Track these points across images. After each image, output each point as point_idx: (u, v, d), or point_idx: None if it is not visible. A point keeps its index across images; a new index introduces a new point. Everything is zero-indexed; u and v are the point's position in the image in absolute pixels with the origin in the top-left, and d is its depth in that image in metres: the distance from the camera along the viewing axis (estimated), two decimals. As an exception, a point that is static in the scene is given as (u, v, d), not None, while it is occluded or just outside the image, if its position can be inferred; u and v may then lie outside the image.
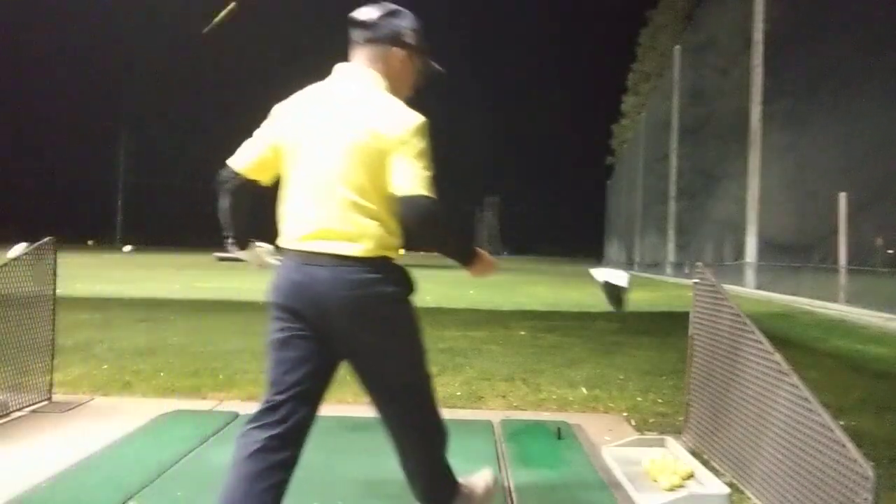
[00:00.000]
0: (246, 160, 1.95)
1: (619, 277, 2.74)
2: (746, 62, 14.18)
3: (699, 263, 3.25)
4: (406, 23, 1.96)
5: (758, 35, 13.70)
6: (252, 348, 5.48)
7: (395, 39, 1.93)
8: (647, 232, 27.56)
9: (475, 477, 2.25)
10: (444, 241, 1.87)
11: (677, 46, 22.14)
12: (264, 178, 1.97)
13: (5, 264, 3.33)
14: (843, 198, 9.80)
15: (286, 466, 1.83)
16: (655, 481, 2.61)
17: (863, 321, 8.43)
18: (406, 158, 1.78)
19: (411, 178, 1.77)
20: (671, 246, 22.25)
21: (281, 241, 1.92)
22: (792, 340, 6.85)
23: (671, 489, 2.53)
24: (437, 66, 2.09)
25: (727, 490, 2.45)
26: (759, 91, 13.63)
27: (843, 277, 9.89)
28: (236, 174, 1.94)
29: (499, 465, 2.79)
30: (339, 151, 1.81)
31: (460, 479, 2.15)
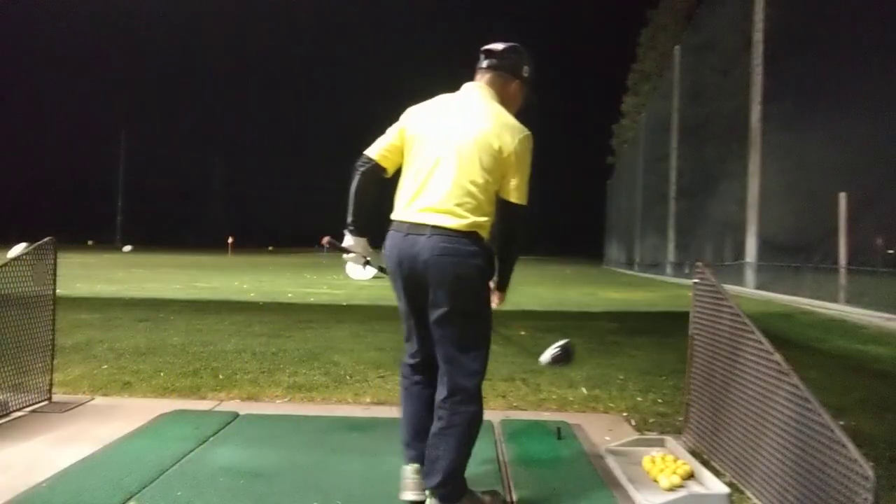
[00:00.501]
0: (378, 149, 2.33)
1: (555, 350, 2.71)
2: (746, 62, 14.18)
3: (699, 263, 3.24)
4: (525, 60, 2.39)
5: (758, 35, 13.70)
6: (252, 348, 5.49)
7: (514, 72, 2.37)
8: (647, 232, 27.55)
9: (484, 492, 2.39)
10: (516, 248, 2.30)
11: (677, 46, 22.13)
12: (389, 167, 2.34)
13: (5, 264, 3.33)
14: (843, 198, 9.80)
15: (426, 385, 2.36)
16: (655, 481, 2.61)
17: (863, 321, 8.43)
18: (520, 172, 2.22)
19: (521, 190, 2.23)
20: (671, 246, 22.24)
21: (393, 215, 2.30)
22: (792, 340, 6.85)
23: (671, 489, 2.53)
24: (534, 99, 2.47)
25: (727, 490, 2.45)
26: (759, 91, 13.62)
27: (843, 277, 9.89)
28: (370, 159, 2.32)
29: (499, 465, 2.79)
30: (458, 147, 2.19)
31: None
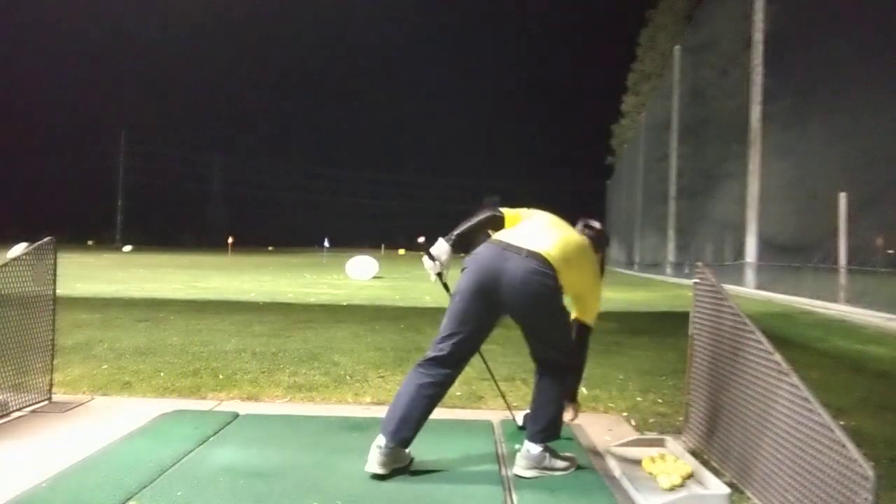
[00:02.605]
0: (508, 213, 2.91)
1: None
2: (746, 62, 14.18)
3: (699, 263, 3.24)
4: (608, 244, 3.20)
5: (758, 35, 13.70)
6: (252, 348, 5.49)
7: (604, 247, 3.15)
8: (647, 232, 27.56)
9: (566, 453, 2.82)
10: (581, 364, 3.05)
11: (677, 46, 22.13)
12: (502, 226, 2.87)
13: (5, 264, 3.32)
14: (843, 198, 9.80)
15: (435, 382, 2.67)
16: (655, 481, 2.61)
17: (863, 321, 8.43)
18: (595, 285, 2.97)
19: (594, 301, 3.01)
20: (671, 246, 22.25)
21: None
22: (792, 340, 6.85)
23: (671, 489, 2.53)
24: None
25: (727, 490, 2.45)
26: (759, 91, 13.63)
27: (843, 277, 9.89)
28: (501, 212, 2.88)
29: (499, 465, 2.79)
30: (567, 240, 2.81)
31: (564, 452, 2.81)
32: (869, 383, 4.76)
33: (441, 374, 2.66)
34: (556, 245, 2.69)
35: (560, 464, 2.71)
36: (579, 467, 2.73)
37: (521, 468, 2.67)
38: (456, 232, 2.76)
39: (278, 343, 5.81)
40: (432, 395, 2.64)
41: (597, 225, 3.11)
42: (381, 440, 2.60)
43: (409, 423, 2.61)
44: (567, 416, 2.97)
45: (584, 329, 2.95)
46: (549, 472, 2.67)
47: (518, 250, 2.63)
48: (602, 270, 3.11)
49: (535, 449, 2.70)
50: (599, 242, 3.07)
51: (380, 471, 2.56)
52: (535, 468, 2.66)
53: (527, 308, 2.62)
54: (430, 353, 2.67)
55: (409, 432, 2.62)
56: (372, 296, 11.73)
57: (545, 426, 2.72)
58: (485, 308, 2.63)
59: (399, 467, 2.63)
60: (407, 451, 2.68)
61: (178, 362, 4.86)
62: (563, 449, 3.01)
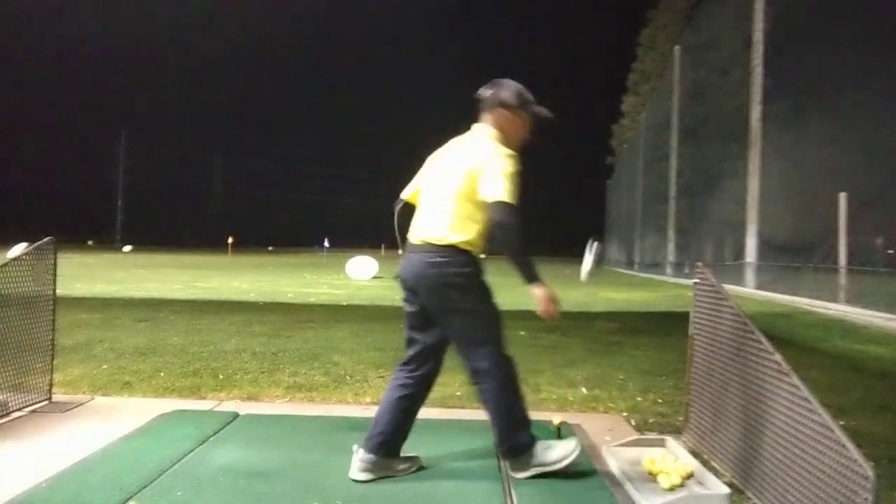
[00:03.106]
0: (408, 192, 2.79)
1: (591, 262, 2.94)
2: (746, 62, 14.18)
3: (699, 263, 3.24)
4: (505, 91, 2.66)
5: (758, 35, 13.70)
6: (252, 348, 5.49)
7: (499, 104, 2.65)
8: (647, 232, 27.56)
9: (559, 443, 2.68)
10: (513, 244, 2.42)
11: (677, 46, 22.13)
12: (416, 201, 2.73)
13: (5, 264, 3.32)
14: (843, 198, 9.80)
15: (402, 384, 2.66)
16: (655, 481, 2.61)
17: (863, 321, 8.43)
18: (493, 173, 2.44)
19: (497, 188, 2.41)
20: (671, 246, 22.24)
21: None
22: (792, 340, 6.85)
23: (671, 489, 2.53)
24: (543, 112, 2.70)
25: (727, 490, 2.45)
26: (759, 91, 13.62)
27: (843, 277, 9.89)
28: (404, 201, 2.77)
29: (499, 465, 2.79)
30: (447, 178, 2.57)
31: (540, 441, 2.63)
32: (869, 383, 4.76)
33: (412, 376, 2.65)
34: (439, 211, 2.54)
35: (552, 455, 2.61)
36: (579, 467, 2.72)
37: (513, 471, 2.64)
38: (400, 246, 2.72)
39: (278, 343, 5.81)
40: (402, 396, 2.62)
41: (484, 93, 2.68)
42: (359, 450, 2.60)
43: (379, 427, 2.59)
44: (540, 307, 2.56)
45: (493, 211, 2.42)
46: (545, 468, 2.59)
47: (414, 248, 2.58)
48: (541, 116, 2.70)
49: (514, 460, 2.63)
50: (486, 105, 2.67)
51: (358, 477, 2.54)
52: (527, 469, 2.60)
53: (431, 307, 2.55)
54: (405, 356, 2.71)
55: (381, 438, 2.58)
56: (372, 296, 11.73)
57: (501, 439, 2.60)
58: (422, 312, 2.60)
59: (387, 475, 2.57)
60: (401, 457, 2.65)
61: (178, 362, 4.86)
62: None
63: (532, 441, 2.62)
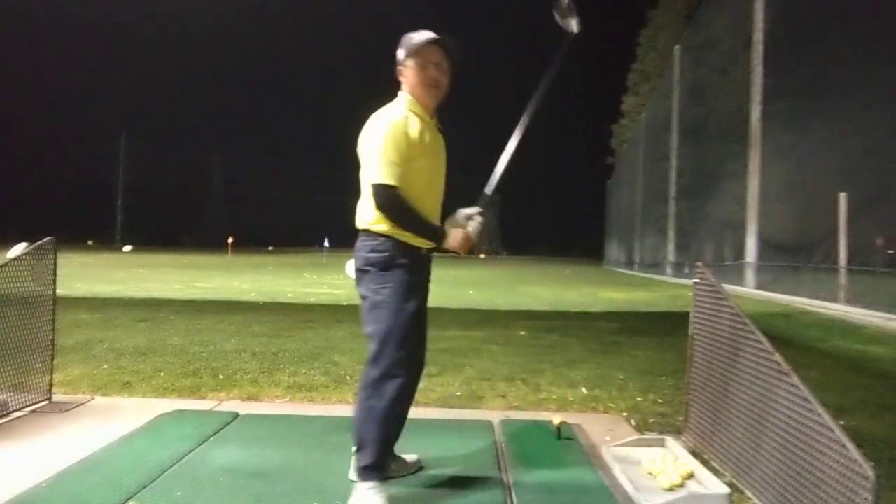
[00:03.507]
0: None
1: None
2: (746, 62, 14.18)
3: (699, 263, 3.24)
4: (400, 47, 2.47)
5: (758, 35, 13.69)
6: (252, 348, 5.48)
7: (399, 62, 2.48)
8: (647, 232, 27.54)
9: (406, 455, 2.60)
10: (402, 222, 2.31)
11: (677, 46, 22.12)
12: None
13: (5, 264, 3.33)
14: (843, 198, 9.80)
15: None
16: (655, 481, 2.61)
17: (863, 321, 8.43)
18: (369, 155, 2.33)
19: (371, 171, 2.31)
20: (671, 246, 22.24)
21: None
22: (792, 340, 6.85)
23: (671, 489, 2.53)
24: (417, 41, 2.42)
25: (727, 490, 2.45)
26: (759, 91, 13.62)
27: (843, 277, 9.89)
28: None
29: (499, 465, 2.79)
30: (361, 160, 2.42)
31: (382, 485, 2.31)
32: (869, 383, 4.76)
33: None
34: (362, 195, 2.40)
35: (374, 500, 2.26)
36: (580, 467, 2.72)
37: (355, 475, 2.36)
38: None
39: (278, 343, 5.81)
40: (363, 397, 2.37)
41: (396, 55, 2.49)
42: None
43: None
44: (460, 251, 2.39)
45: (373, 195, 2.31)
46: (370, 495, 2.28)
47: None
48: (418, 71, 2.42)
49: (361, 487, 2.29)
50: (397, 65, 2.50)
51: (353, 478, 2.38)
52: (363, 480, 2.29)
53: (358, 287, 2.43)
54: None
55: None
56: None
57: (362, 454, 2.31)
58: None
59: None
60: (400, 458, 2.63)
61: (178, 362, 4.86)
62: (564, 449, 3.01)
63: (382, 476, 2.33)
